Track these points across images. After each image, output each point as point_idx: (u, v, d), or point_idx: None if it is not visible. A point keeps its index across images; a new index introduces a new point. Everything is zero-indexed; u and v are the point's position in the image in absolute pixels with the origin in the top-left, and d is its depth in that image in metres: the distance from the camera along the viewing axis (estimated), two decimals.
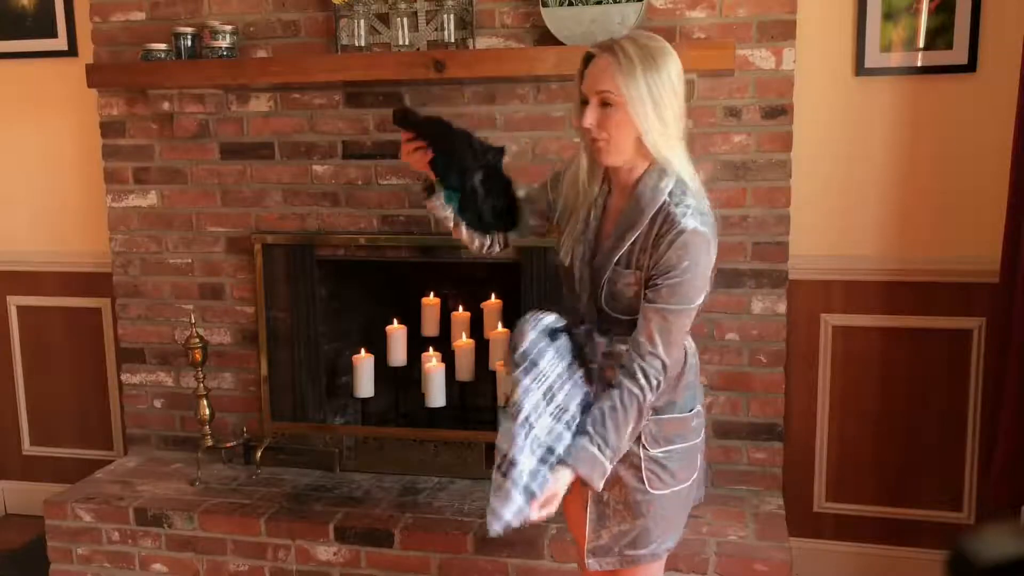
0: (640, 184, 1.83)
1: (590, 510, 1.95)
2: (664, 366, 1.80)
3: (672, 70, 1.78)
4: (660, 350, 1.79)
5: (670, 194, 1.80)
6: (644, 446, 1.90)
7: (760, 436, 2.87)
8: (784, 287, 2.81)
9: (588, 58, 1.82)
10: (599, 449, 1.79)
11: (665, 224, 1.78)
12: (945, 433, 2.94)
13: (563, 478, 1.80)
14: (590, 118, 1.78)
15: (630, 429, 1.81)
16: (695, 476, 1.99)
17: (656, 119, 1.76)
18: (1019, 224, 2.57)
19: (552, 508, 1.80)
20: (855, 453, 3.01)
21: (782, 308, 2.81)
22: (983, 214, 2.79)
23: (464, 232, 2.07)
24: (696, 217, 1.78)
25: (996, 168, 2.72)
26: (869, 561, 3.03)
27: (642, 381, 1.79)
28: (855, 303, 2.94)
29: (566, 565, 2.59)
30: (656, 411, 1.89)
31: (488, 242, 2.09)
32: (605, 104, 1.77)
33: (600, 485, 1.82)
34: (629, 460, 1.90)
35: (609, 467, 1.81)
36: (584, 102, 1.81)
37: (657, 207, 1.80)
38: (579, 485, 1.85)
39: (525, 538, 2.64)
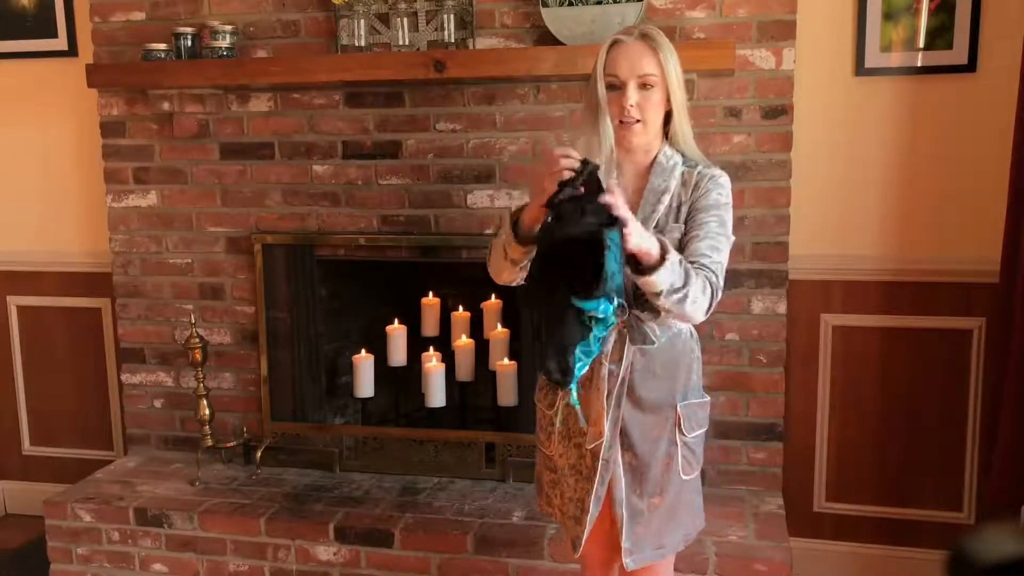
0: (656, 162, 1.96)
1: (623, 513, 1.95)
2: (716, 293, 1.85)
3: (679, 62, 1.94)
4: (718, 276, 1.87)
5: (684, 163, 1.96)
6: (682, 431, 1.96)
7: (760, 436, 2.87)
8: (784, 287, 2.81)
9: (614, 44, 1.92)
10: (668, 252, 1.75)
11: (696, 178, 1.93)
12: (945, 433, 2.94)
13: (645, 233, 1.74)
14: (633, 99, 1.88)
15: (689, 293, 1.78)
16: None
17: (683, 100, 1.94)
18: (1019, 224, 2.58)
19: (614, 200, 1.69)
20: (855, 453, 3.01)
21: (782, 308, 2.81)
22: (983, 214, 2.79)
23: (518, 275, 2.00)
24: (715, 170, 1.96)
25: (996, 168, 2.72)
26: (869, 561, 3.03)
27: (708, 293, 1.83)
28: (855, 303, 2.94)
29: (566, 565, 2.59)
30: (685, 396, 1.97)
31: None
32: (644, 87, 1.89)
33: (654, 252, 1.73)
34: (666, 449, 1.94)
35: (665, 269, 1.73)
36: (611, 88, 1.90)
37: (680, 172, 1.94)
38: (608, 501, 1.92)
39: (525, 538, 2.64)
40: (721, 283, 1.87)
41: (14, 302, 3.61)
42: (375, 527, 2.75)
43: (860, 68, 2.82)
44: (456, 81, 2.82)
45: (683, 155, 1.97)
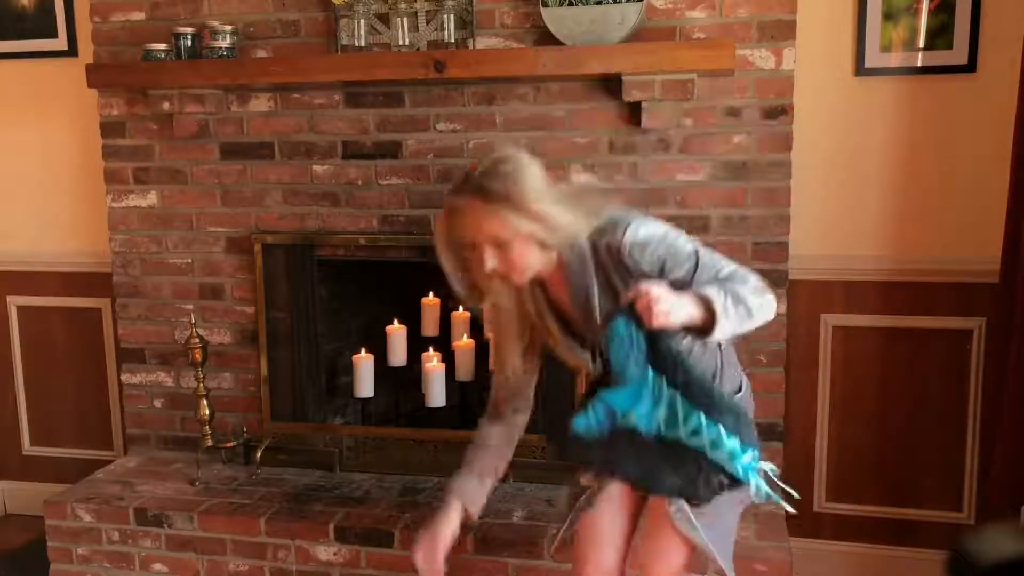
0: (565, 263, 1.85)
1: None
2: (756, 277, 1.81)
3: (532, 179, 1.78)
4: (742, 277, 1.80)
5: (589, 240, 1.82)
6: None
7: (760, 436, 2.86)
8: (784, 287, 2.80)
9: (451, 210, 1.82)
10: (724, 296, 1.72)
11: (612, 258, 1.81)
12: (945, 433, 2.94)
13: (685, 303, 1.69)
14: (491, 263, 1.79)
15: (751, 308, 1.75)
16: None
17: (547, 225, 1.77)
18: (1019, 224, 2.57)
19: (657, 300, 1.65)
20: (855, 453, 3.01)
21: (782, 308, 2.81)
22: (983, 214, 2.79)
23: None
24: (619, 227, 1.80)
25: (996, 168, 2.72)
26: (869, 561, 3.03)
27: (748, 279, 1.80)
28: (855, 303, 2.94)
29: (566, 565, 2.58)
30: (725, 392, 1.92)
31: None
32: (499, 245, 1.77)
33: (722, 320, 1.70)
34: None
35: (722, 320, 1.70)
36: (467, 248, 1.82)
37: (591, 259, 1.83)
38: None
39: (525, 538, 2.64)
40: (750, 275, 1.81)
41: (14, 302, 3.61)
42: (375, 527, 2.75)
43: (860, 68, 2.82)
44: (456, 81, 2.82)
45: (588, 236, 1.83)
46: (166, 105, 3.01)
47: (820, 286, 2.95)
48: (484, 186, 1.75)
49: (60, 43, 3.36)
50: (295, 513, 2.84)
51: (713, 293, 1.71)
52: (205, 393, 3.06)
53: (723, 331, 1.71)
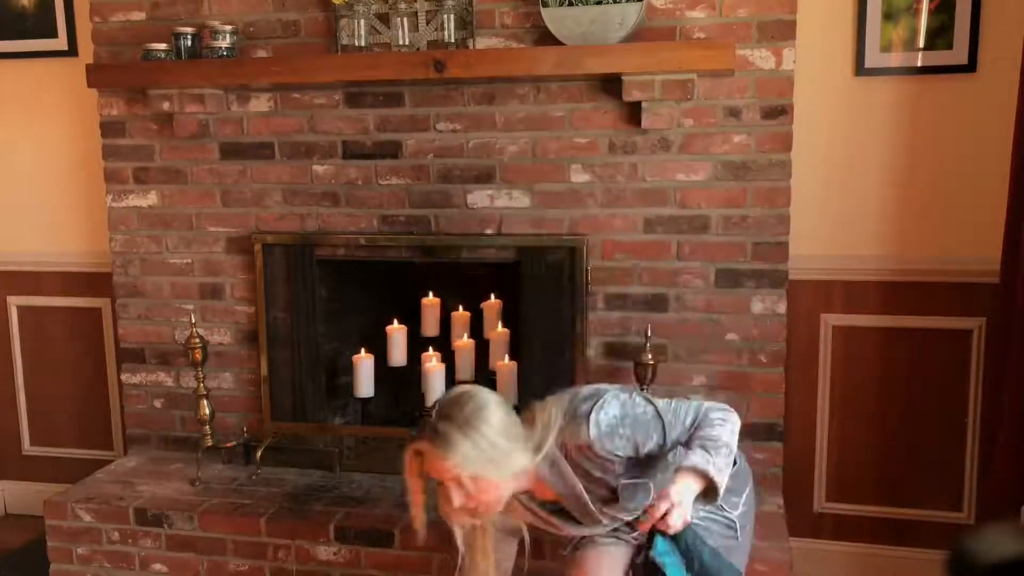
0: (542, 478, 1.90)
1: None
2: (722, 408, 1.92)
3: (492, 418, 1.82)
4: (703, 416, 1.90)
5: (559, 446, 1.87)
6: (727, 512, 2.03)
7: (760, 436, 2.87)
8: (784, 287, 2.80)
9: (414, 451, 1.87)
10: (708, 455, 1.84)
11: (583, 454, 1.87)
12: (945, 433, 2.94)
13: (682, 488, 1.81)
14: (456, 501, 1.83)
15: (730, 451, 1.87)
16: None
17: (505, 460, 1.82)
18: (1019, 224, 2.57)
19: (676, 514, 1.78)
20: (855, 453, 3.01)
21: (782, 308, 2.81)
22: (983, 214, 2.79)
23: None
24: (580, 426, 1.86)
25: (996, 168, 2.72)
26: (869, 561, 3.03)
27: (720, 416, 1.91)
28: (855, 303, 2.94)
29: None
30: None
31: None
32: (459, 484, 1.82)
33: (720, 479, 1.82)
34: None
35: (719, 478, 1.83)
36: (437, 483, 1.86)
37: (565, 462, 1.88)
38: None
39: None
40: (706, 405, 1.92)
41: (14, 302, 3.61)
42: (375, 527, 2.75)
43: (860, 68, 2.83)
44: (456, 81, 2.82)
45: (556, 450, 1.89)
46: (166, 105, 3.01)
47: (820, 286, 2.95)
48: (440, 431, 1.80)
49: (60, 43, 3.36)
50: (295, 513, 2.84)
51: (700, 460, 1.81)
52: (205, 393, 3.06)
53: (722, 486, 1.83)
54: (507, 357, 3.01)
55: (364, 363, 3.09)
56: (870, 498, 3.02)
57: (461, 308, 3.18)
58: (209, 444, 3.07)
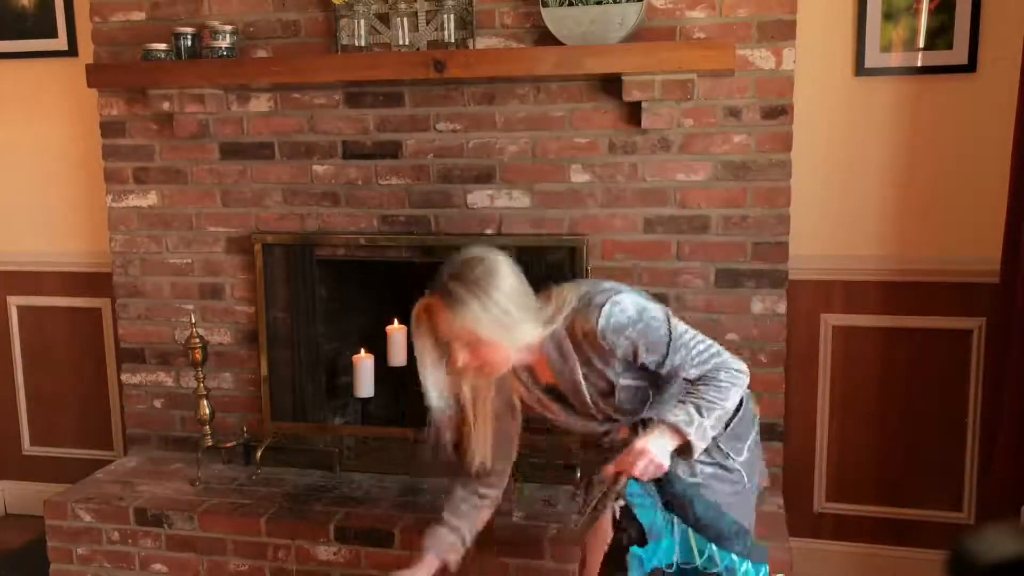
0: (545, 354, 1.90)
1: None
2: (725, 359, 1.87)
3: (502, 278, 1.83)
4: (709, 363, 1.86)
5: (565, 327, 1.87)
6: (733, 459, 1.99)
7: (760, 436, 2.86)
8: (784, 287, 2.81)
9: (423, 307, 1.86)
10: (700, 411, 1.82)
11: (588, 341, 1.85)
12: (945, 433, 2.94)
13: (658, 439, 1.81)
14: (462, 361, 1.83)
15: (719, 410, 1.85)
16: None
17: (515, 327, 1.82)
18: (1019, 224, 2.58)
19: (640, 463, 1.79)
20: (855, 453, 3.01)
21: (782, 308, 2.81)
22: (983, 214, 2.79)
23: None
24: (592, 312, 1.84)
25: (996, 168, 2.73)
26: (869, 561, 3.03)
27: (727, 374, 1.87)
28: (855, 303, 2.94)
29: (566, 565, 2.58)
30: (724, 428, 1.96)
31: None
32: (467, 344, 1.82)
33: (697, 444, 1.81)
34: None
35: (709, 434, 1.82)
36: (443, 343, 1.86)
37: (569, 344, 1.87)
38: None
39: (525, 538, 2.64)
40: (723, 358, 1.87)
41: (14, 302, 3.61)
42: (375, 527, 2.75)
43: (860, 68, 2.83)
44: (456, 81, 2.82)
45: (563, 331, 1.88)
46: (166, 105, 3.01)
47: (820, 286, 2.95)
48: (451, 290, 1.80)
49: (60, 43, 3.36)
50: (295, 513, 2.84)
51: (683, 420, 1.80)
52: (205, 393, 3.06)
53: (701, 446, 1.83)
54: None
55: (364, 363, 3.09)
56: (870, 498, 3.02)
57: None
58: (209, 444, 3.07)
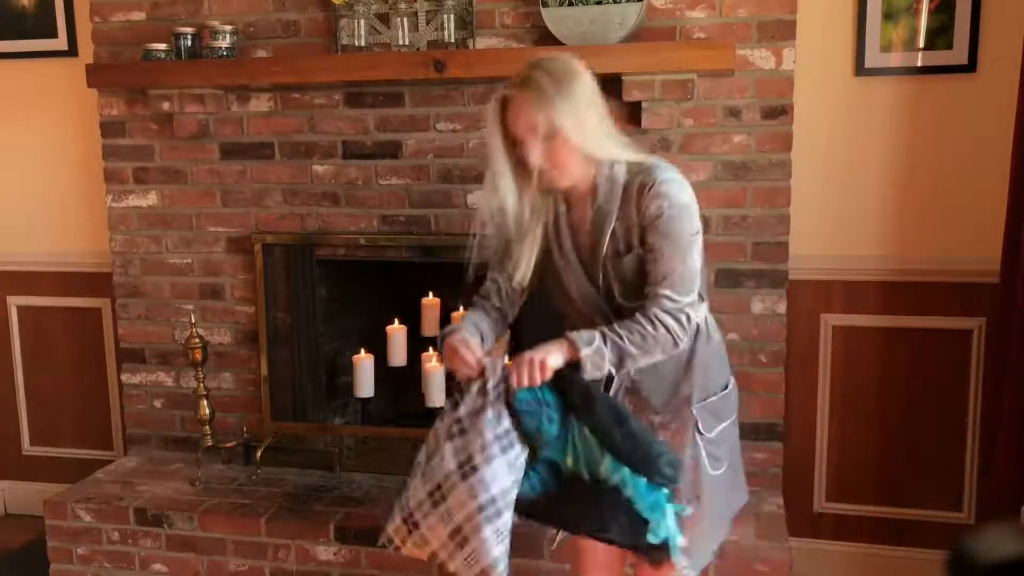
0: (597, 185, 1.90)
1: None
2: (688, 318, 1.85)
3: (585, 82, 1.83)
4: (682, 300, 1.84)
5: (628, 172, 1.88)
6: (700, 431, 1.96)
7: (760, 436, 2.87)
8: (784, 287, 2.81)
9: (505, 101, 1.84)
10: (606, 341, 1.81)
11: (638, 192, 1.85)
12: (945, 433, 2.94)
13: (553, 348, 1.81)
14: (535, 156, 1.81)
15: (644, 356, 1.84)
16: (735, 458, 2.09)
17: (592, 132, 1.82)
18: (1019, 224, 2.58)
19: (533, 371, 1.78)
20: (855, 453, 3.01)
21: (782, 308, 2.81)
22: (983, 214, 2.79)
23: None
24: (659, 171, 1.86)
25: (996, 168, 2.73)
26: (869, 561, 3.03)
27: (674, 328, 1.84)
28: (855, 303, 2.94)
29: (566, 565, 2.58)
30: (704, 395, 1.97)
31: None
32: (545, 138, 1.80)
33: (587, 362, 1.79)
34: (691, 452, 1.95)
35: (606, 364, 1.81)
36: (515, 143, 1.84)
37: (622, 188, 1.87)
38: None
39: (525, 538, 2.64)
40: (686, 301, 1.85)
41: (14, 302, 3.61)
42: (375, 527, 2.74)
43: (860, 68, 2.83)
44: (456, 81, 2.82)
45: (626, 164, 1.89)
46: (166, 105, 3.01)
47: (820, 286, 2.95)
48: (533, 78, 1.79)
49: (60, 43, 3.36)
50: (295, 513, 2.84)
51: (584, 338, 1.80)
52: (205, 393, 3.06)
53: (593, 373, 1.81)
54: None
55: (364, 363, 3.09)
56: (870, 498, 3.02)
57: (461, 308, 3.18)
58: (209, 444, 3.07)
